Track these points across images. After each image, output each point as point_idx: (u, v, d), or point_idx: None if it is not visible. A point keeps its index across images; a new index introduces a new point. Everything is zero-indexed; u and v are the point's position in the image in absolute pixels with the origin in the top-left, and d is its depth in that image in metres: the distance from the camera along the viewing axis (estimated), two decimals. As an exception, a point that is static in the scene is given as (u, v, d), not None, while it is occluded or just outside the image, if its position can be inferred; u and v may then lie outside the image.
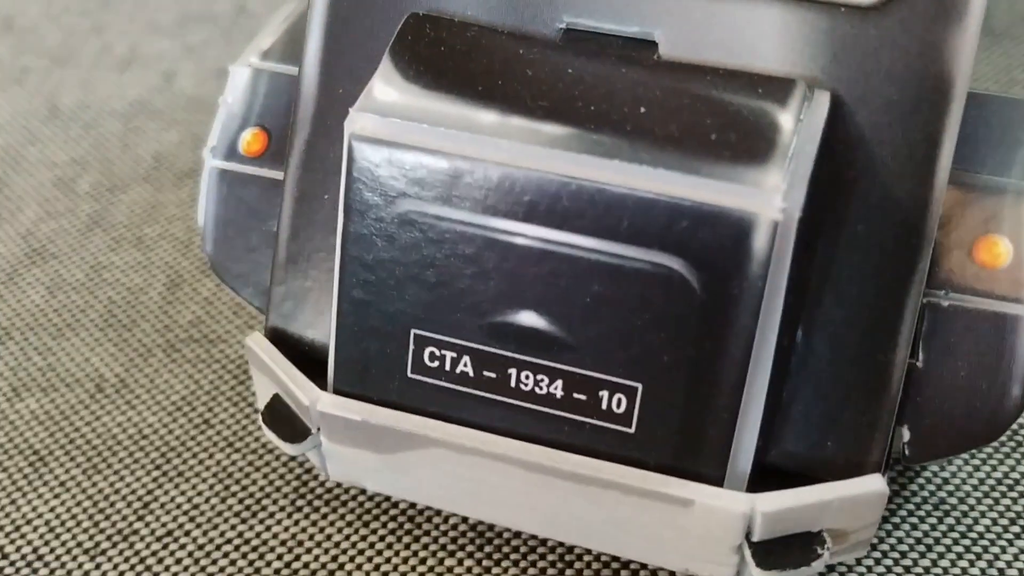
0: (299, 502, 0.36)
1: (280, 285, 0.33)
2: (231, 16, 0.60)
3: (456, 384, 0.30)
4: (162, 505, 0.36)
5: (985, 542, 0.34)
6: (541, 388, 0.29)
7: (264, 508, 0.36)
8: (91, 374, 0.40)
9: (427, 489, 0.32)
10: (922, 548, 0.34)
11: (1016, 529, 0.34)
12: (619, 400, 0.29)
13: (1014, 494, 0.35)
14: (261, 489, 0.36)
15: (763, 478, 0.29)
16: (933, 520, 0.34)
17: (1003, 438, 0.37)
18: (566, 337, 0.29)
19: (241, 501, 0.36)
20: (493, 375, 0.30)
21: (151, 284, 0.44)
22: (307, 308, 0.33)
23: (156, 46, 0.58)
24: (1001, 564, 0.33)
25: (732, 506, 0.28)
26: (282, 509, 0.35)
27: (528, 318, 0.29)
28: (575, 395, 0.29)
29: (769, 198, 0.26)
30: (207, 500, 0.36)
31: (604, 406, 0.29)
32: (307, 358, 0.33)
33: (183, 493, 0.36)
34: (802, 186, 0.27)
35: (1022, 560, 0.33)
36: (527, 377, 0.29)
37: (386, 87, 0.29)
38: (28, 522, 0.35)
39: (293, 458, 0.37)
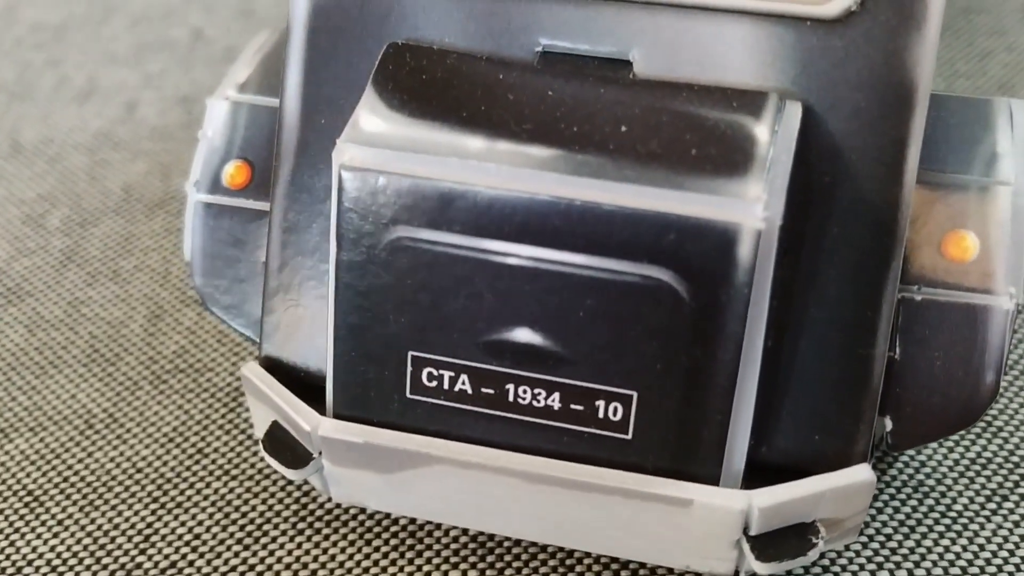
0: (300, 525, 0.36)
1: (272, 315, 0.34)
2: (188, 44, 0.60)
3: (455, 402, 0.31)
4: (163, 537, 0.36)
5: (964, 520, 0.35)
6: (539, 401, 0.30)
7: (266, 533, 0.36)
8: (79, 411, 0.41)
9: (430, 505, 0.33)
10: (906, 530, 0.35)
11: (992, 506, 0.36)
12: (615, 408, 0.30)
13: (988, 472, 0.37)
14: (261, 515, 0.37)
15: (756, 474, 0.30)
16: (914, 502, 0.36)
17: (973, 420, 0.38)
18: (561, 351, 0.30)
19: (242, 528, 0.36)
20: (491, 391, 0.31)
21: (132, 317, 0.44)
22: (300, 336, 0.34)
23: (115, 76, 0.58)
24: (981, 540, 0.35)
25: (730, 503, 0.29)
26: (284, 533, 0.36)
27: (523, 334, 0.30)
28: (572, 406, 0.30)
29: (751, 208, 0.27)
30: (208, 529, 0.36)
31: (601, 415, 0.30)
32: (303, 385, 0.34)
33: (183, 524, 0.36)
34: (781, 195, 0.28)
35: (1000, 535, 0.35)
36: (524, 391, 0.30)
37: (371, 117, 0.30)
38: (29, 563, 0.36)
39: (291, 482, 0.37)
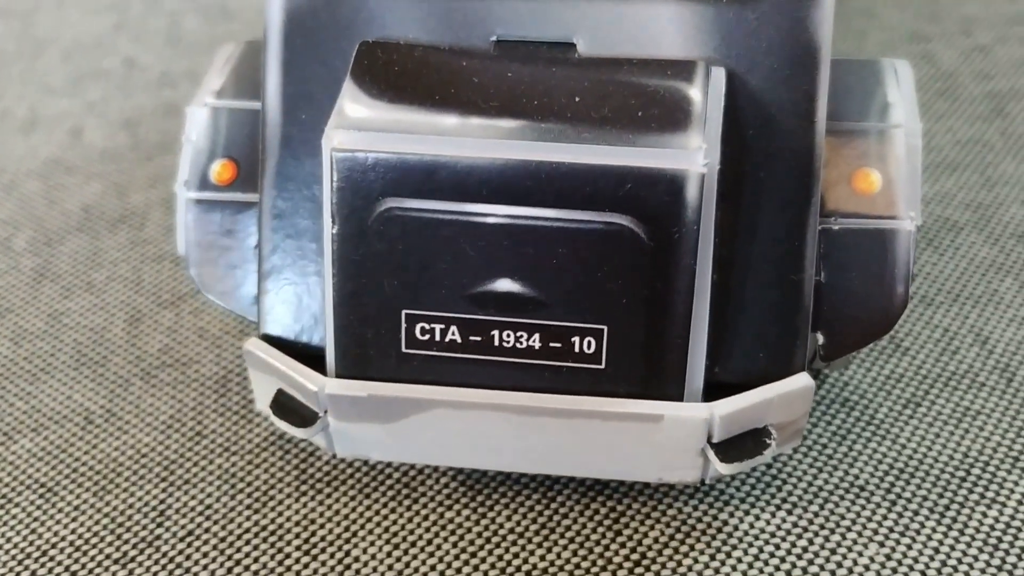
0: (303, 487, 0.40)
1: (268, 294, 0.37)
2: (122, 71, 0.63)
3: (447, 351, 0.35)
4: (177, 511, 0.39)
5: (886, 426, 0.41)
6: (521, 343, 0.35)
7: (272, 498, 0.39)
8: (77, 409, 0.43)
9: (429, 450, 0.37)
10: (838, 439, 0.40)
11: (908, 412, 0.41)
12: (589, 343, 0.34)
13: (901, 385, 0.42)
14: (265, 483, 0.40)
15: (712, 392, 0.35)
16: (843, 415, 0.41)
17: (884, 342, 0.44)
18: (539, 295, 0.34)
19: (250, 495, 0.40)
20: (479, 338, 0.35)
21: (112, 323, 0.47)
22: (295, 312, 0.37)
23: (56, 106, 0.61)
24: (902, 441, 0.40)
25: (695, 415, 0.34)
26: (289, 496, 0.39)
27: (504, 284, 0.34)
28: (551, 344, 0.34)
29: (694, 156, 0.32)
30: (218, 500, 0.39)
31: (577, 349, 0.34)
32: (300, 356, 0.37)
33: (194, 498, 0.40)
34: (716, 145, 0.33)
35: (917, 435, 0.40)
36: (508, 335, 0.35)
37: (354, 105, 0.34)
38: (53, 545, 0.38)
39: (289, 451, 0.41)
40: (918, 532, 0.37)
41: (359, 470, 0.40)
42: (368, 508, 0.39)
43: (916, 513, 0.38)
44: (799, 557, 0.37)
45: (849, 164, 0.36)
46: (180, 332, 0.46)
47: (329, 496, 0.39)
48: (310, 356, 0.37)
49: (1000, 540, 0.37)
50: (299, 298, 0.37)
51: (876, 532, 0.37)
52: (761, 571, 0.36)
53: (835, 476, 0.39)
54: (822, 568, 0.36)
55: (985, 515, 0.38)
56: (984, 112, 0.56)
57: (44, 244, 0.52)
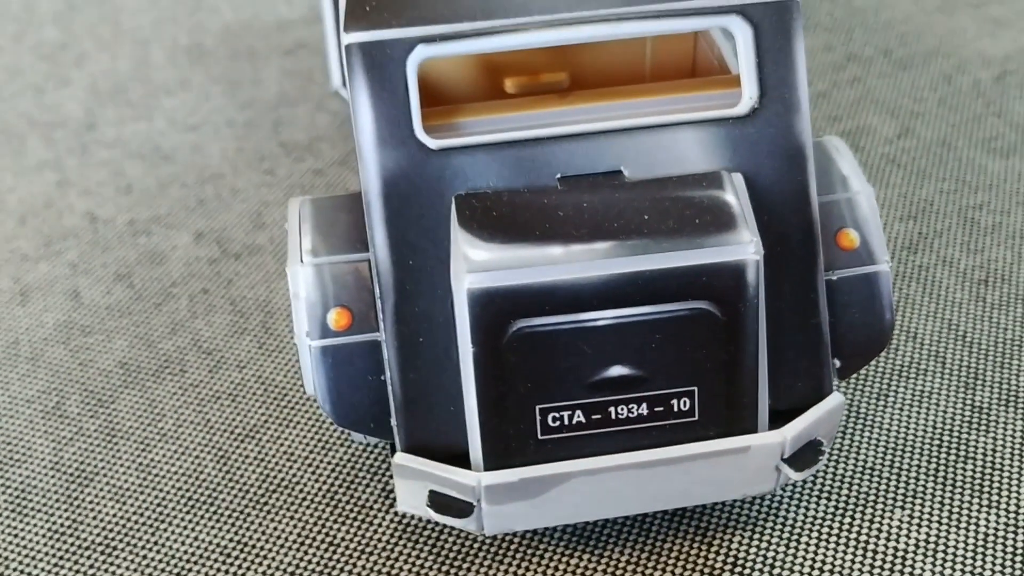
0: (444, 567, 0.47)
1: (405, 418, 0.45)
2: (88, 227, 0.67)
3: (574, 431, 0.44)
4: (345, 612, 0.46)
5: (869, 416, 0.52)
6: (632, 412, 0.44)
7: (419, 574, 0.47)
8: (208, 547, 0.48)
9: (566, 511, 0.45)
10: (839, 434, 0.52)
11: (881, 403, 0.53)
12: (684, 402, 0.44)
13: (868, 382, 0.54)
14: (408, 572, 0.47)
15: (770, 419, 0.45)
16: (837, 416, 0.53)
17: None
18: (643, 374, 0.43)
19: (402, 585, 0.46)
20: (598, 416, 0.43)
21: (202, 465, 0.52)
22: (429, 427, 0.45)
23: (38, 272, 0.64)
24: (885, 425, 0.52)
25: (774, 440, 0.44)
26: (430, 570, 0.47)
27: (616, 370, 0.43)
28: (655, 409, 0.44)
29: (749, 248, 0.42)
30: (376, 595, 0.46)
31: (676, 409, 0.44)
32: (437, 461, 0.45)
33: (354, 598, 0.46)
34: (757, 235, 0.43)
35: (895, 419, 0.52)
36: (622, 409, 0.44)
37: (474, 249, 0.42)
38: (249, 668, 0.44)
39: (419, 541, 0.48)
40: (923, 493, 0.49)
41: (484, 542, 0.48)
42: (505, 572, 0.47)
43: (917, 479, 0.50)
44: (849, 530, 0.48)
45: (832, 228, 0.47)
46: (270, 460, 0.52)
47: (468, 571, 0.47)
48: (443, 459, 0.44)
49: (982, 485, 0.49)
50: (430, 415, 0.45)
51: (896, 500, 0.49)
52: (827, 547, 0.47)
53: (848, 463, 0.50)
54: (869, 536, 0.47)
55: (965, 469, 0.50)
56: (844, 150, 0.69)
57: (98, 405, 0.56)
